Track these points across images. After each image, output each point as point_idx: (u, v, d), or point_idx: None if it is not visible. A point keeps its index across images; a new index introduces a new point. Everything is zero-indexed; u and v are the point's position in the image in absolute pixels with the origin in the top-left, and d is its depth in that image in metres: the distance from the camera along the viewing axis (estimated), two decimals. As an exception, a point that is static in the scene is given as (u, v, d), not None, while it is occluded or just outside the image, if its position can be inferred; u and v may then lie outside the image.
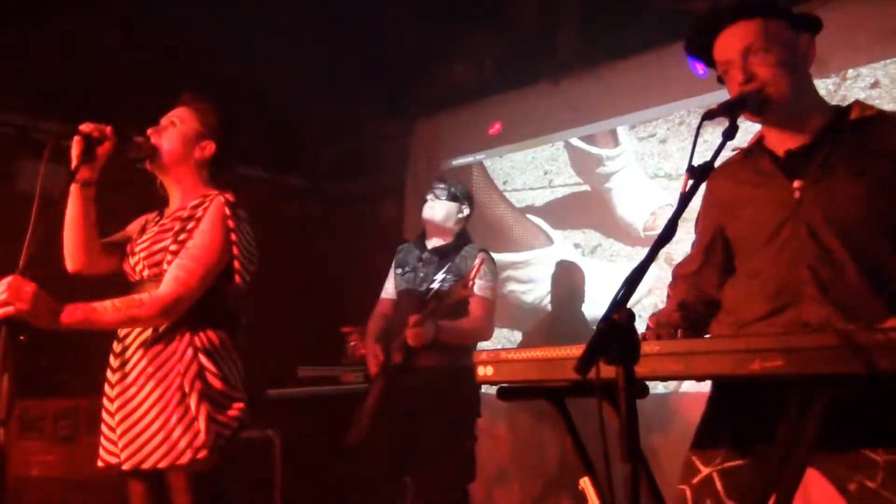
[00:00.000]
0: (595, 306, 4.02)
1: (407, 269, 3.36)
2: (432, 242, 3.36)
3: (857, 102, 1.71)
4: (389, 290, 3.44)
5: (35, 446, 3.33)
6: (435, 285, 3.21)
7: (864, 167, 1.58)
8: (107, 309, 1.94)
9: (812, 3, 3.42)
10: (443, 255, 3.29)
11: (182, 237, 2.07)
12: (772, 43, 1.63)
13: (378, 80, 4.37)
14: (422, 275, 3.28)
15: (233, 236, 2.08)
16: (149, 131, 2.17)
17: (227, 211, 2.08)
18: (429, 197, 3.37)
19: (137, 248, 2.14)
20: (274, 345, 3.29)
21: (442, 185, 3.37)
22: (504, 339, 4.36)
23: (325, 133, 4.66)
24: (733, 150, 1.84)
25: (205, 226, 2.07)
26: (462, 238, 3.36)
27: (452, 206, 3.33)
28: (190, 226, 2.08)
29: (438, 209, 3.32)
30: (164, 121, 2.21)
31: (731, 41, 1.66)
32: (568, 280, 4.11)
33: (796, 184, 1.62)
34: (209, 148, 2.19)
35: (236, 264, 2.09)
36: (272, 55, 3.88)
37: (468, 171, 4.83)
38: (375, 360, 3.22)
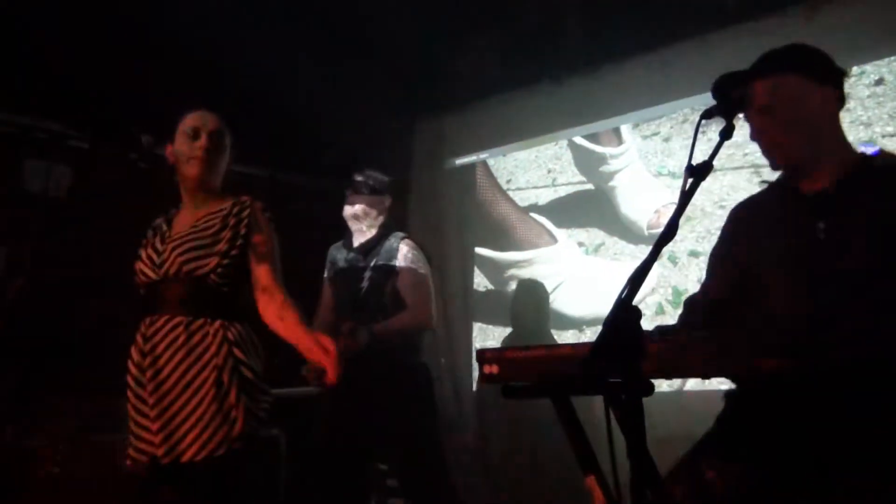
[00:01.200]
0: (598, 305, 4.02)
1: (336, 271, 3.23)
2: (357, 240, 3.21)
3: (882, 151, 1.75)
4: (326, 296, 3.29)
5: (45, 445, 3.34)
6: (364, 284, 3.09)
7: (885, 215, 1.59)
8: (305, 340, 2.17)
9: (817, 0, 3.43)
10: (367, 251, 3.15)
11: (238, 242, 2.19)
12: (782, 102, 1.68)
13: (382, 79, 4.37)
14: (350, 276, 3.15)
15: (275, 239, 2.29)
16: (204, 147, 2.25)
17: (269, 216, 2.28)
18: (347, 193, 3.21)
19: (163, 248, 2.19)
20: (278, 343, 3.30)
21: (360, 179, 3.19)
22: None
23: (329, 132, 4.66)
24: (761, 182, 1.90)
25: (264, 230, 2.25)
26: (386, 229, 3.19)
27: (373, 199, 3.17)
28: (231, 222, 2.20)
29: (357, 206, 3.17)
30: (208, 128, 2.27)
31: (754, 91, 1.71)
32: (533, 297, 4.11)
33: (821, 224, 1.65)
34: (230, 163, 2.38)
35: None
36: (276, 54, 3.88)
37: (472, 169, 4.83)
38: (314, 374, 2.92)
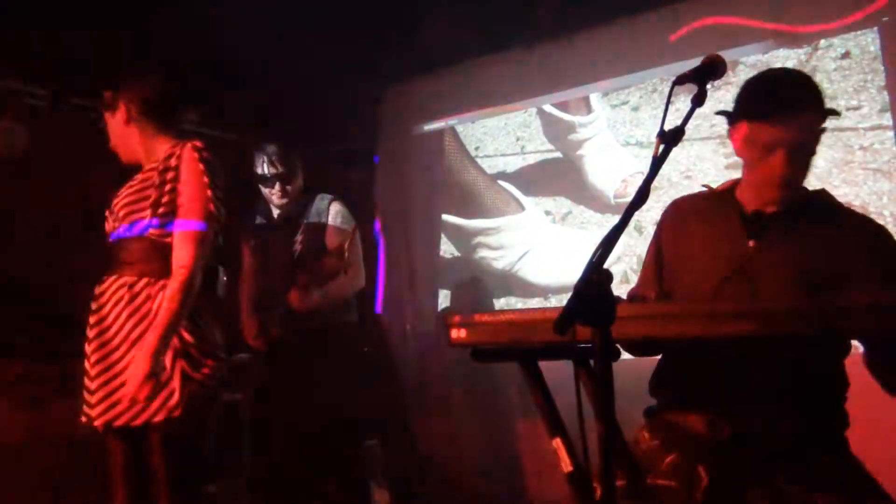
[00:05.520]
0: (564, 273, 4.05)
1: (264, 237, 3.32)
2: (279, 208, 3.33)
3: (825, 191, 1.82)
4: (247, 263, 3.38)
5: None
6: (297, 247, 3.20)
7: (813, 246, 1.68)
8: (166, 309, 1.99)
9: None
10: (297, 214, 3.27)
11: (167, 187, 2.09)
12: (810, 139, 1.70)
13: (350, 44, 4.30)
14: (281, 241, 3.25)
15: (209, 191, 2.10)
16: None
17: (199, 159, 2.11)
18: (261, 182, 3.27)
19: (114, 204, 2.18)
20: (239, 308, 3.30)
21: (265, 173, 3.23)
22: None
23: (296, 97, 4.59)
24: (703, 185, 1.94)
25: (187, 179, 2.10)
26: (305, 195, 3.30)
27: (285, 185, 3.25)
28: (169, 175, 2.11)
29: (274, 194, 3.25)
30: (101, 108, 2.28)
31: (785, 127, 1.67)
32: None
33: (752, 243, 1.73)
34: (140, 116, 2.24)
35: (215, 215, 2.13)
36: (242, 19, 3.79)
37: (440, 136, 4.80)
38: (252, 334, 3.25)
